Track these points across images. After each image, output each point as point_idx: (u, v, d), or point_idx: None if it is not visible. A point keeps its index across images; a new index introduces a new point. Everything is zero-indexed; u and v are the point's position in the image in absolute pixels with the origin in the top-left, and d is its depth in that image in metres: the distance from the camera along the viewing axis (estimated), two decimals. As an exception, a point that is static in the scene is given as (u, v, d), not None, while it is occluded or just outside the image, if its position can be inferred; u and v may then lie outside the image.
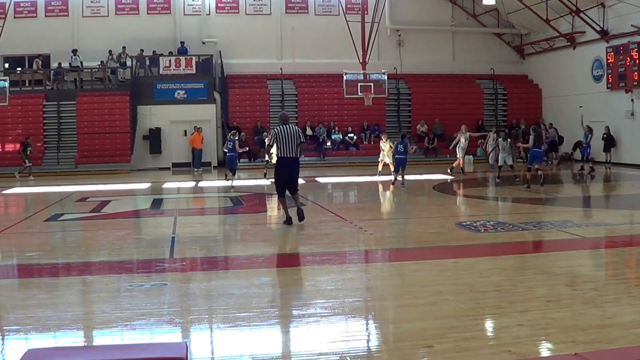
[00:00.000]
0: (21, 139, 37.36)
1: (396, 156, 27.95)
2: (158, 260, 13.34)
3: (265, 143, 29.57)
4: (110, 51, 41.87)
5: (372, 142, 42.09)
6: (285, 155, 17.32)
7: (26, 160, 35.78)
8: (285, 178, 17.71)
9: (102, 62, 41.95)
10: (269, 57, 44.98)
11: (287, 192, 17.93)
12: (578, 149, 37.15)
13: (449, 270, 11.94)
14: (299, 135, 17.46)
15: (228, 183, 29.05)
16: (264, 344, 8.23)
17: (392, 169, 28.58)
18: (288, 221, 17.69)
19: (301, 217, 17.58)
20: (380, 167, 30.41)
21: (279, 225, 18.50)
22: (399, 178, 27.77)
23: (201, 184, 32.16)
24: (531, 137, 27.03)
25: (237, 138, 30.24)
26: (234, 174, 29.05)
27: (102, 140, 39.61)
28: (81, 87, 41.84)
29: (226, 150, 29.28)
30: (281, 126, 17.49)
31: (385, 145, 29.75)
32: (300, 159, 17.91)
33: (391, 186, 27.48)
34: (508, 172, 29.99)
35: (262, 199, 26.07)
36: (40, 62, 41.58)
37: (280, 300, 10.25)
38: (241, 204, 23.58)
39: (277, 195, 18.58)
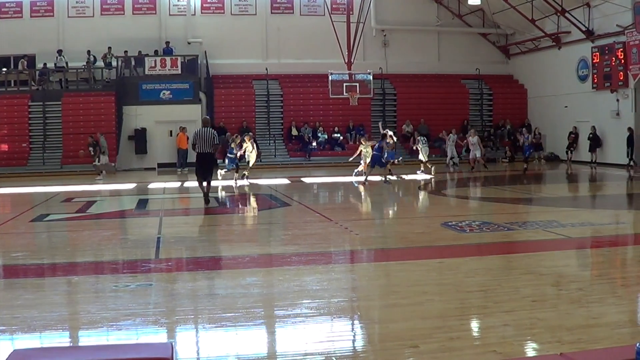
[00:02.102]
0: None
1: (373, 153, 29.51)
2: (144, 260, 13.31)
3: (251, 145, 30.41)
4: (89, 51, 41.66)
5: (357, 142, 42.14)
6: (201, 151, 21.63)
7: (96, 159, 35.48)
8: (201, 168, 21.95)
9: (87, 62, 41.83)
10: (254, 57, 44.94)
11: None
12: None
13: (435, 271, 11.96)
14: (213, 137, 21.70)
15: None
16: (249, 345, 8.23)
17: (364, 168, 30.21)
18: (206, 202, 21.94)
19: (206, 201, 21.91)
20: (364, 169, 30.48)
21: (264, 226, 18.56)
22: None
23: (187, 184, 32.13)
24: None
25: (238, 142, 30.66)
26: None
27: (87, 140, 39.44)
28: (66, 88, 41.75)
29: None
30: (201, 128, 22.00)
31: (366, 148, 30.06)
32: (214, 155, 22.37)
33: (362, 186, 28.45)
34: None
35: (248, 199, 26.10)
36: (25, 62, 41.46)
37: (266, 301, 10.23)
38: (227, 205, 23.58)
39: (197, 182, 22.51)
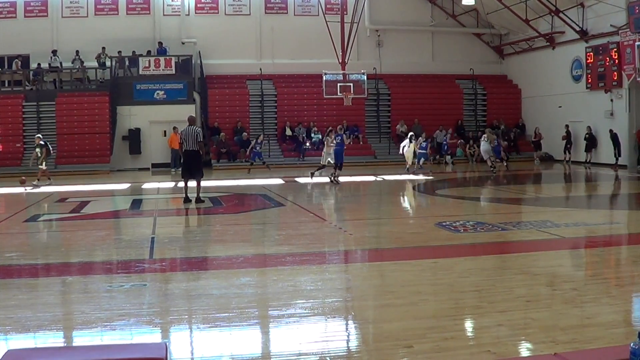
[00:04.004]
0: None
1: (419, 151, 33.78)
2: (138, 260, 13.30)
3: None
4: (77, 51, 41.63)
5: (351, 142, 42.18)
6: (188, 149, 22.45)
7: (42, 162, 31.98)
8: (188, 166, 22.84)
9: (81, 62, 41.81)
10: (248, 57, 44.89)
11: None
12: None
13: (429, 271, 11.96)
14: (197, 135, 22.36)
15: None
16: (243, 345, 8.23)
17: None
18: (186, 200, 22.69)
19: (198, 201, 22.45)
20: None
21: (258, 226, 18.57)
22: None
23: (181, 184, 32.09)
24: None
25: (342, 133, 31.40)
26: (340, 168, 30.14)
27: (81, 140, 39.47)
28: (61, 88, 41.70)
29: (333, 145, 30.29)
30: (187, 127, 22.66)
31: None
32: (200, 153, 22.84)
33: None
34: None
35: (242, 200, 26.11)
36: (19, 62, 41.37)
37: (260, 301, 10.23)
38: (221, 205, 23.57)
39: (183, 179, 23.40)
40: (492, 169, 32.50)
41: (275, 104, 44.35)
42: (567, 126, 39.79)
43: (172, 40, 43.40)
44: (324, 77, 38.57)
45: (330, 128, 32.85)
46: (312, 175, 30.74)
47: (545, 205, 22.25)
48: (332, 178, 29.81)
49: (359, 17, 40.52)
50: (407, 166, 34.69)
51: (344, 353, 7.95)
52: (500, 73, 49.21)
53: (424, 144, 34.46)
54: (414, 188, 28.16)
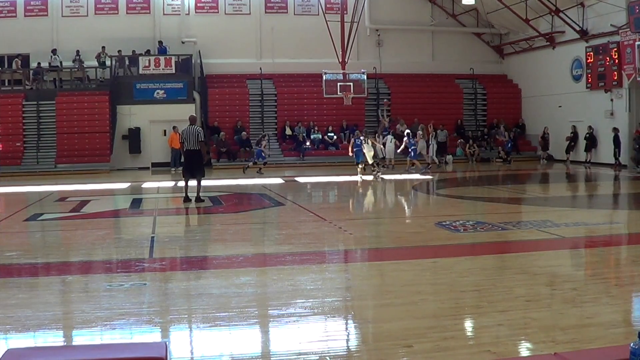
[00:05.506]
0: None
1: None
2: (137, 260, 13.30)
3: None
4: (77, 51, 41.71)
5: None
6: (189, 149, 22.45)
7: None
8: (189, 165, 22.96)
9: (81, 62, 41.79)
10: (248, 56, 44.86)
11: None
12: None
13: (429, 270, 11.96)
14: (198, 134, 22.34)
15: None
16: (243, 344, 8.23)
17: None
18: (186, 199, 22.74)
19: (198, 201, 22.44)
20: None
21: (258, 225, 18.57)
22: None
23: (180, 183, 32.08)
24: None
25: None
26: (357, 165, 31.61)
27: (81, 140, 39.46)
28: (60, 87, 41.72)
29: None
30: (188, 127, 22.60)
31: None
32: (201, 152, 22.71)
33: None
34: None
35: (242, 199, 26.10)
36: (19, 61, 41.34)
37: (260, 300, 10.23)
38: (221, 204, 23.55)
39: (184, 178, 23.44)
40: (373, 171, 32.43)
41: (275, 104, 44.34)
42: (574, 127, 39.75)
43: (172, 39, 43.37)
44: (324, 76, 38.56)
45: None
46: (377, 174, 31.07)
47: (545, 205, 22.26)
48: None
49: (359, 16, 40.51)
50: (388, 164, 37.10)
51: (344, 352, 7.95)
52: (501, 73, 49.17)
53: (412, 141, 34.46)
54: (413, 187, 28.15)
